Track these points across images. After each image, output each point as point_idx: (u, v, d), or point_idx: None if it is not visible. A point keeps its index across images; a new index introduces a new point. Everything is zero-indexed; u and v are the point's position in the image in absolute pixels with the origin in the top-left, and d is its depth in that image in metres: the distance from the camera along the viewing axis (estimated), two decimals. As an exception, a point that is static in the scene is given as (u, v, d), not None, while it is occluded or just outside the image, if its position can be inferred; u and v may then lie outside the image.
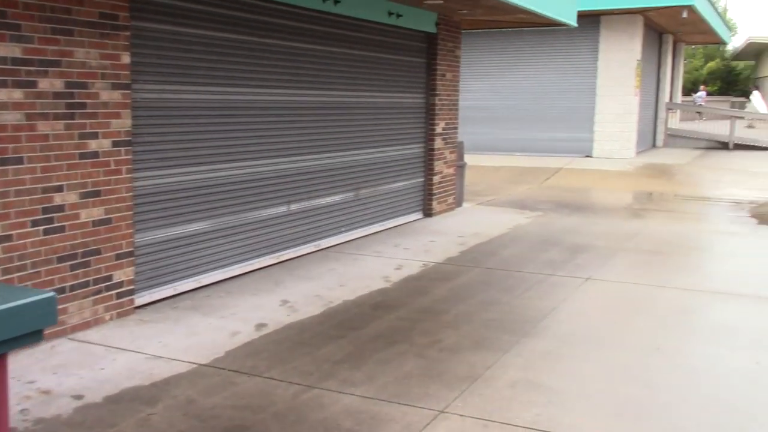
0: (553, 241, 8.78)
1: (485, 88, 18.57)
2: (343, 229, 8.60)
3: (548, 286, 6.70)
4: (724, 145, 20.41)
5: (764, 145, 20.00)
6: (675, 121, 21.50)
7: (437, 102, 10.16)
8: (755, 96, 27.07)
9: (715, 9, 21.23)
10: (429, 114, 10.20)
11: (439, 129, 10.31)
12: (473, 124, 18.32)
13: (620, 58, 17.10)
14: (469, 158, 16.07)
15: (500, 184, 14.01)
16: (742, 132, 20.60)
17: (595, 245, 8.49)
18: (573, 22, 10.94)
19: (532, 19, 10.34)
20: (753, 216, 10.75)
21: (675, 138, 21.12)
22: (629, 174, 15.50)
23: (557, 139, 17.84)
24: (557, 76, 17.87)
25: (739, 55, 43.22)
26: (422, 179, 10.31)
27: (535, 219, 10.30)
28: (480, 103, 18.58)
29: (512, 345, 5.10)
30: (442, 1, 8.64)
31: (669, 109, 21.35)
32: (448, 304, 6.14)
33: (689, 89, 39.59)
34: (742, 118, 21.06)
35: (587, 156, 17.53)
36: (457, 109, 10.77)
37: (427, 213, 10.37)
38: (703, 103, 32.24)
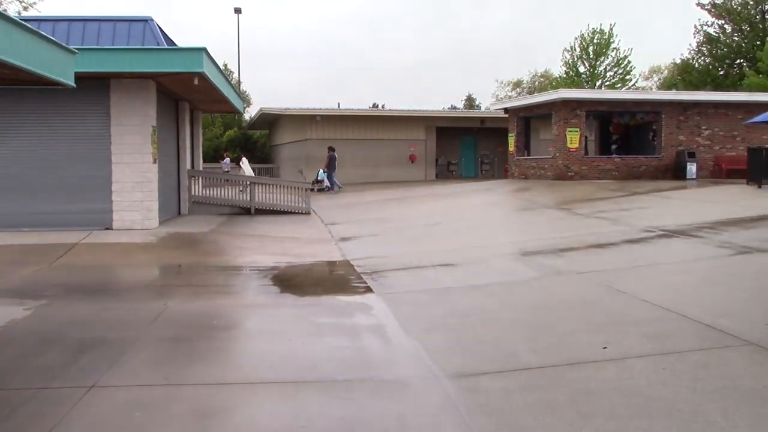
0: (56, 338, 7.23)
1: (-20, 156, 15.86)
2: None
3: (36, 406, 5.21)
4: (246, 210, 20.89)
5: (281, 209, 21.01)
6: (199, 188, 21.33)
7: None
8: (244, 162, 29.67)
9: (228, 80, 21.81)
10: None
11: None
12: (-34, 198, 15.46)
13: (135, 124, 16.09)
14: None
15: (-1, 269, 11.73)
16: (261, 197, 21.34)
17: (107, 338, 7.19)
18: (70, 81, 9.56)
19: (16, 74, 8.70)
20: (275, 284, 10.59)
21: (200, 205, 20.89)
22: (153, 246, 14.51)
23: (72, 212, 15.98)
24: (68, 143, 16.08)
25: (255, 124, 46.23)
26: None
27: (37, 310, 8.56)
28: (-26, 172, 15.79)
29: None
30: None
31: (191, 176, 21.11)
32: None
33: (212, 156, 40.77)
34: (259, 184, 21.81)
35: (107, 228, 16.04)
36: None
37: None
38: (229, 170, 33.55)
